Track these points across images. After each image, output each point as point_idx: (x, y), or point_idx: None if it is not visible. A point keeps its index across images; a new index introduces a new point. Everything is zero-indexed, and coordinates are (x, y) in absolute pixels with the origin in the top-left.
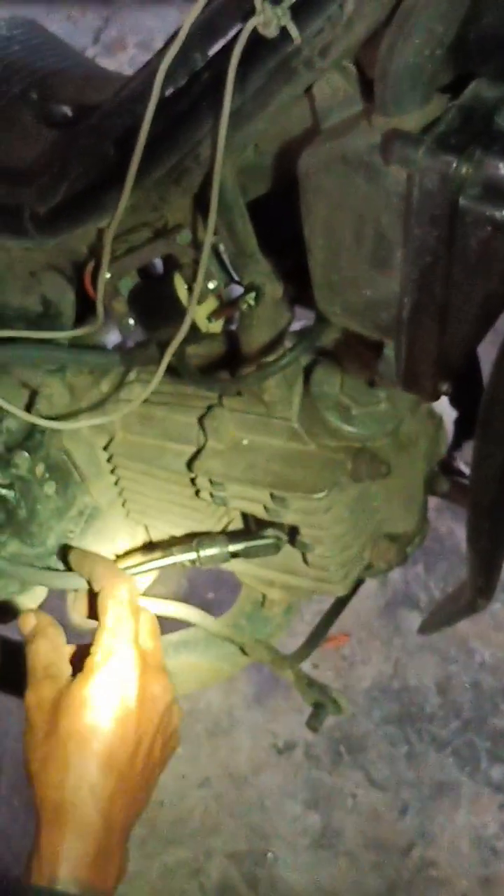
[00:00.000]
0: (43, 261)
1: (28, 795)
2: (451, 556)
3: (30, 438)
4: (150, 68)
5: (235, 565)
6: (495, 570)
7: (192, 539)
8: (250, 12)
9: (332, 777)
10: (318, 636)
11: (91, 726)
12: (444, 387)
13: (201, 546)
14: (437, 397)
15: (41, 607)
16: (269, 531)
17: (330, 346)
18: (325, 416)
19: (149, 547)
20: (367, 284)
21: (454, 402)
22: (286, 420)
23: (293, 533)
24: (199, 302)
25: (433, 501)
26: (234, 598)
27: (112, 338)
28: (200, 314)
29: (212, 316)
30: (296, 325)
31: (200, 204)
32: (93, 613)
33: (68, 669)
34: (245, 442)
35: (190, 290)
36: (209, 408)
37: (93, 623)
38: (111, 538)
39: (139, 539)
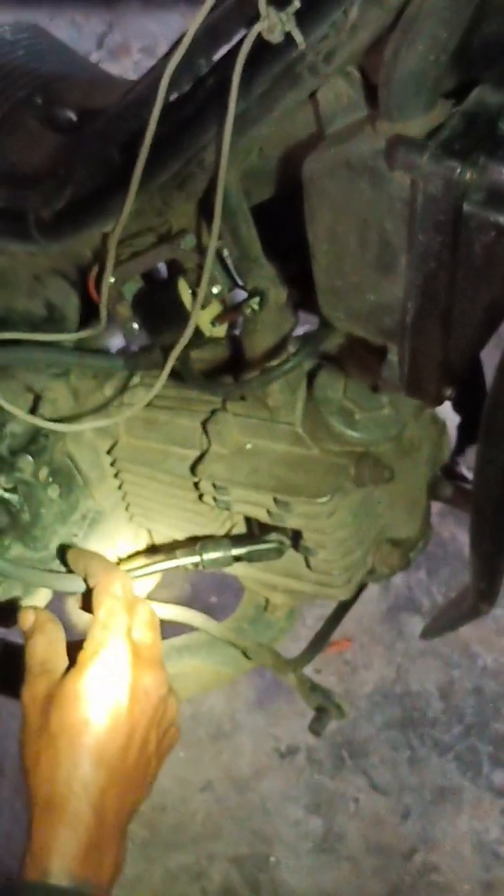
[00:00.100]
0: (47, 265)
1: None
2: (454, 561)
3: (34, 442)
4: (154, 73)
5: (238, 569)
6: (498, 574)
7: (195, 542)
8: (255, 18)
9: (335, 781)
10: (320, 640)
11: (81, 720)
12: (448, 391)
13: (204, 549)
14: (440, 402)
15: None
16: (273, 535)
17: (333, 351)
18: (328, 420)
19: (152, 550)
20: (371, 289)
21: (457, 406)
22: (289, 424)
23: (296, 537)
24: (203, 306)
25: (436, 506)
26: (237, 603)
27: (116, 342)
28: (204, 318)
29: (215, 320)
30: (299, 330)
31: (205, 209)
32: (90, 610)
33: (64, 665)
34: (248, 446)
35: (194, 294)
36: (213, 412)
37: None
38: (114, 542)
39: (142, 543)
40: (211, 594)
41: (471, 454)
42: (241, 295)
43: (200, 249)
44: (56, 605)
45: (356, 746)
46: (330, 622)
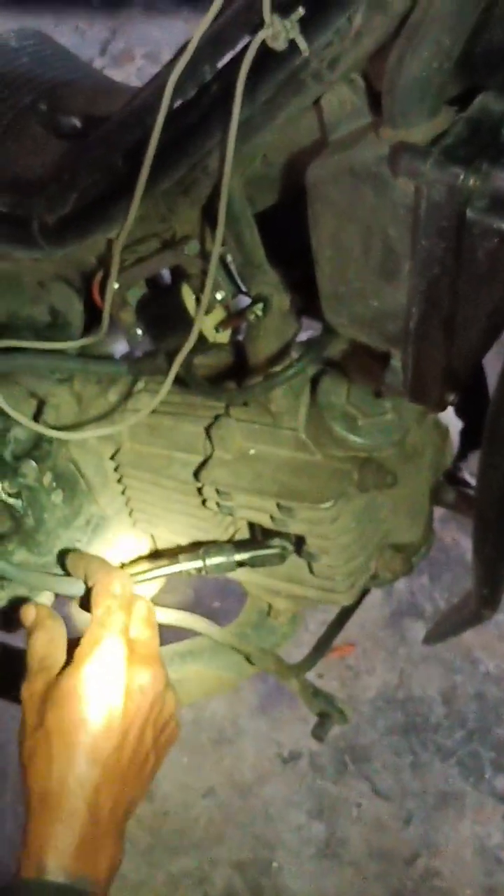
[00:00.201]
0: (51, 271)
1: None
2: (456, 567)
3: (37, 448)
4: (159, 80)
5: (241, 574)
6: (500, 580)
7: (198, 548)
8: (259, 25)
9: (337, 787)
10: (323, 646)
11: (76, 717)
12: (451, 397)
13: (207, 555)
14: (443, 408)
15: None
16: (276, 541)
17: (336, 357)
18: (331, 426)
19: (155, 556)
20: (375, 295)
21: (460, 412)
22: (293, 430)
23: (299, 542)
24: (207, 312)
25: (438, 511)
26: (239, 608)
27: (119, 347)
28: (208, 324)
29: (219, 326)
30: (302, 336)
31: (209, 215)
32: (90, 611)
33: (62, 662)
34: (252, 452)
35: (198, 300)
36: (216, 418)
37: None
38: (118, 547)
39: (145, 548)
40: (213, 599)
41: (473, 460)
42: (245, 301)
43: (204, 255)
44: (59, 610)
45: (359, 751)
46: (333, 627)
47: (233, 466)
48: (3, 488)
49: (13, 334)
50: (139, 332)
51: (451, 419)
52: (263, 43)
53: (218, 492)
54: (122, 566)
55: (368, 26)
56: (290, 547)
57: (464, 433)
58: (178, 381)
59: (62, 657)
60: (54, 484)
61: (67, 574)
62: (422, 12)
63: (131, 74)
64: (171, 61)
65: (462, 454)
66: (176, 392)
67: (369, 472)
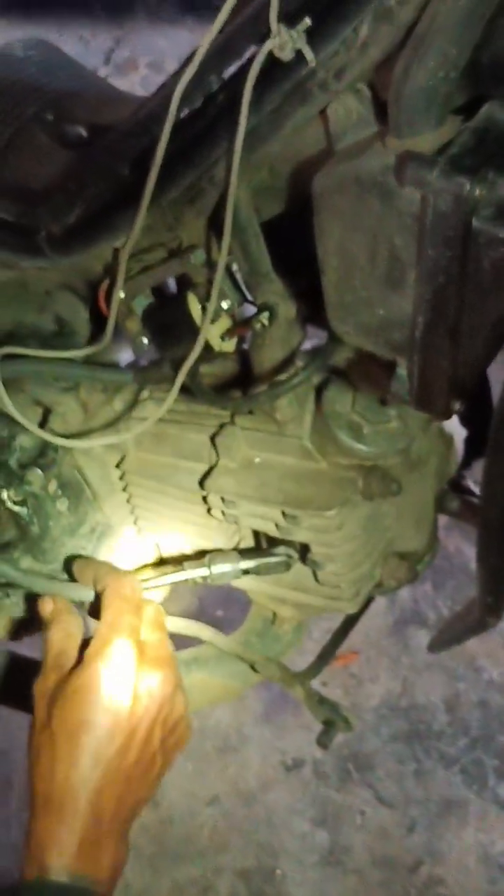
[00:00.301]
0: (57, 280)
1: None
2: (460, 575)
3: (43, 455)
4: (166, 90)
5: (246, 583)
6: None
7: (203, 556)
8: (266, 35)
9: (341, 794)
10: (328, 654)
11: (81, 718)
12: (457, 405)
13: (213, 562)
14: (449, 416)
15: None
16: (281, 549)
17: (341, 365)
18: (336, 434)
19: (160, 564)
20: (381, 304)
21: (464, 421)
22: (298, 438)
23: (304, 550)
24: (213, 321)
25: (441, 520)
26: (243, 616)
27: (124, 356)
28: (214, 333)
29: (225, 335)
30: (306, 344)
31: (215, 224)
32: (99, 617)
33: (74, 660)
34: (257, 460)
35: (204, 309)
36: (221, 426)
37: None
38: (123, 555)
39: (151, 556)
40: (217, 608)
41: (477, 468)
42: (250, 309)
43: (210, 264)
44: None
45: (362, 759)
46: (337, 635)
47: (238, 475)
48: (8, 496)
49: (19, 342)
50: (145, 340)
51: (455, 427)
52: (270, 53)
53: (223, 500)
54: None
55: (374, 36)
56: (296, 555)
57: (468, 441)
58: (184, 389)
59: (76, 655)
60: (59, 492)
61: (73, 580)
62: (428, 22)
63: (135, 83)
64: (177, 71)
65: (466, 462)
66: (181, 400)
67: (374, 480)
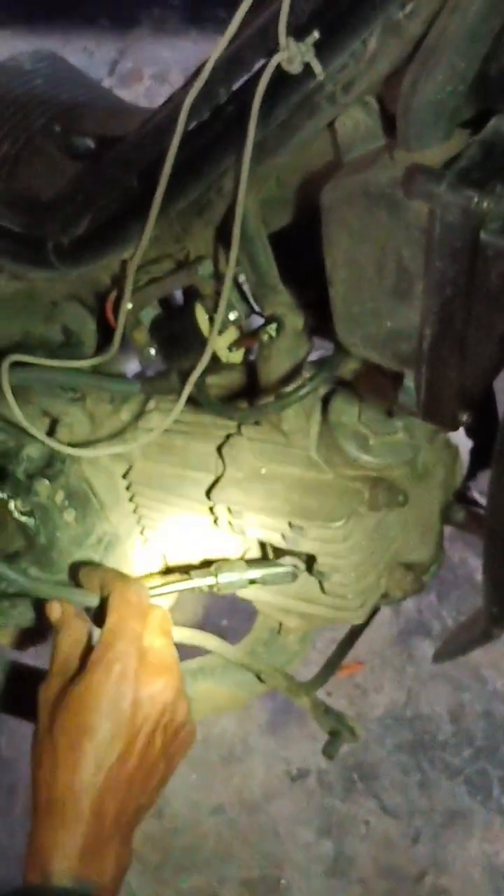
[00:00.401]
0: (65, 290)
1: None
2: (464, 585)
3: (50, 466)
4: (174, 102)
5: (252, 592)
6: None
7: (210, 565)
8: (274, 48)
9: (345, 804)
10: (333, 664)
11: (82, 724)
12: (464, 416)
13: (219, 571)
14: (457, 427)
15: None
16: (287, 559)
17: (348, 376)
18: (343, 445)
19: (167, 573)
20: (388, 316)
21: (470, 432)
22: (304, 449)
23: (310, 561)
24: (220, 332)
25: (446, 531)
26: (248, 626)
27: (132, 367)
28: (221, 344)
29: (232, 346)
30: (313, 355)
31: (222, 235)
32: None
33: (78, 666)
34: (263, 471)
35: (211, 320)
36: (228, 437)
37: None
38: (129, 565)
39: (157, 566)
40: (222, 617)
41: (483, 479)
42: (257, 320)
43: (218, 276)
44: None
45: (367, 769)
46: (343, 646)
47: (244, 485)
48: (16, 506)
49: (27, 352)
50: (152, 351)
51: (461, 438)
52: (278, 66)
53: (229, 510)
54: None
55: (383, 50)
56: (302, 565)
57: (474, 452)
58: (190, 400)
59: (81, 660)
60: (66, 502)
61: (79, 586)
62: (436, 36)
63: (139, 94)
64: (186, 83)
65: (472, 473)
66: (187, 411)
67: (381, 491)
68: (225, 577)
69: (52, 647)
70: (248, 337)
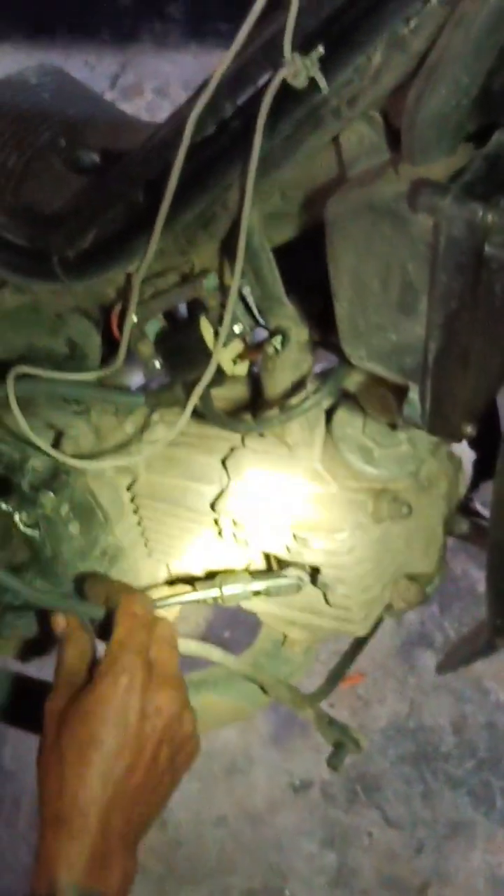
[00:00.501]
0: (70, 303)
1: None
2: (466, 597)
3: (55, 478)
4: (179, 116)
5: (256, 604)
6: None
7: (214, 577)
8: (280, 63)
9: (348, 816)
10: (337, 675)
11: (89, 736)
12: (469, 429)
13: (224, 583)
14: (461, 439)
15: None
16: (291, 570)
17: (351, 389)
18: (347, 457)
19: (171, 585)
20: (393, 329)
21: (472, 443)
22: (308, 461)
23: (315, 572)
24: (225, 345)
25: (448, 542)
26: (250, 638)
27: (136, 379)
28: (226, 357)
29: (237, 359)
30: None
31: (227, 249)
32: (107, 638)
33: (84, 678)
34: (266, 482)
35: (216, 333)
36: (232, 449)
37: None
38: (134, 577)
39: (161, 578)
40: (224, 629)
41: (486, 490)
42: (261, 333)
43: (223, 289)
44: None
45: (370, 781)
46: (346, 657)
47: (249, 497)
48: (21, 519)
49: (32, 365)
50: (157, 364)
51: (464, 450)
52: (283, 80)
53: (234, 522)
54: None
55: (387, 65)
56: (306, 577)
57: (477, 464)
58: (195, 412)
59: (86, 674)
60: (71, 515)
61: (85, 598)
62: (440, 51)
63: (141, 108)
64: (191, 97)
65: (475, 485)
66: (192, 423)
67: (384, 503)
68: (229, 589)
69: (57, 660)
70: (252, 350)
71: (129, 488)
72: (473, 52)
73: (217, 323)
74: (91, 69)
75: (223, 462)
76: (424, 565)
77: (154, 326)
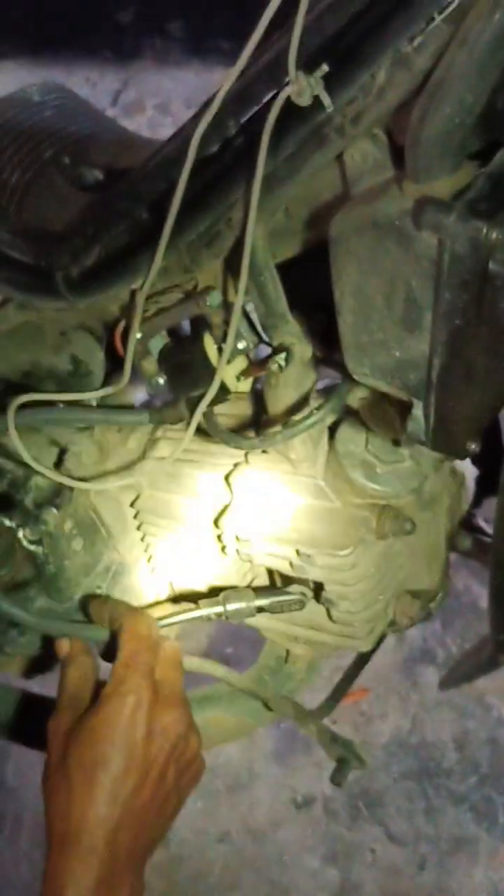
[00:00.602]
0: (74, 321)
1: None
2: (468, 613)
3: (58, 495)
4: (183, 134)
5: (260, 620)
6: None
7: (217, 594)
8: (284, 81)
9: (351, 832)
10: (340, 691)
11: (97, 757)
12: (473, 446)
13: (228, 600)
14: (465, 456)
15: None
16: (295, 587)
17: (355, 405)
18: (350, 473)
19: (174, 601)
20: (397, 346)
21: (475, 459)
22: (311, 478)
23: (318, 589)
24: (229, 362)
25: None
26: (252, 654)
27: (139, 396)
28: (230, 374)
29: (241, 375)
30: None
31: (231, 266)
32: (111, 659)
33: (89, 700)
34: (271, 499)
35: (220, 350)
36: (235, 465)
37: None
38: (137, 594)
39: (165, 595)
40: (227, 645)
41: (489, 506)
42: (263, 350)
43: (226, 306)
44: None
45: (372, 797)
46: (350, 673)
47: (252, 514)
48: (24, 535)
49: (35, 382)
50: (161, 380)
51: (466, 466)
52: (287, 98)
53: (237, 539)
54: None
55: (391, 83)
56: (310, 593)
57: (479, 480)
58: (198, 428)
59: (90, 696)
60: (75, 531)
61: (90, 620)
62: (444, 69)
63: (142, 125)
64: (195, 115)
65: (477, 501)
66: (195, 440)
67: (388, 519)
68: (233, 606)
69: (60, 682)
70: (256, 366)
71: (132, 504)
72: (477, 71)
73: (221, 340)
74: (93, 86)
75: (226, 478)
76: (427, 581)
77: (158, 343)
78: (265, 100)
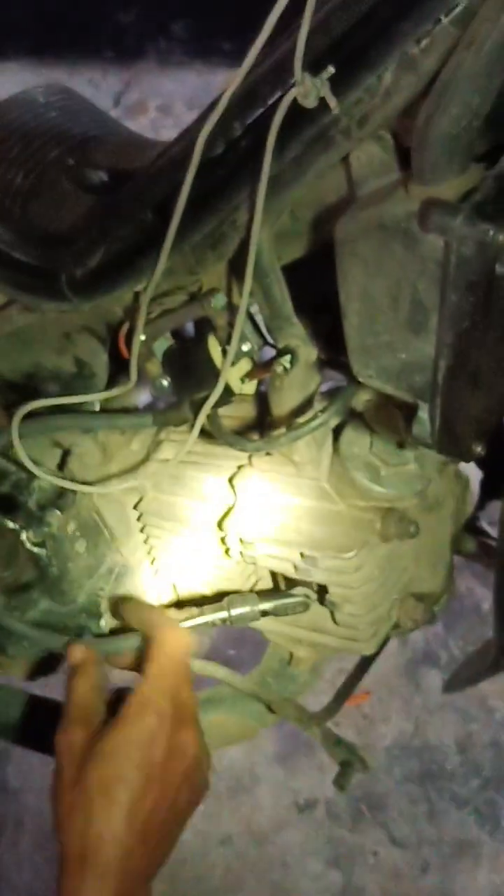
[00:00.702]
0: (77, 322)
1: (51, 851)
2: (471, 616)
3: (61, 497)
4: (189, 135)
5: (263, 623)
6: None
7: (221, 597)
8: (290, 83)
9: (353, 835)
10: (344, 694)
11: (117, 777)
12: (479, 448)
13: (232, 605)
14: (471, 459)
15: None
16: (299, 589)
17: (359, 408)
18: (354, 476)
19: (178, 605)
20: (403, 348)
21: (479, 462)
22: (315, 480)
23: (322, 591)
24: (233, 364)
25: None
26: (255, 656)
27: (143, 398)
28: (234, 376)
29: (245, 378)
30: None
31: (236, 268)
32: (135, 668)
33: (102, 714)
34: (275, 502)
35: (224, 352)
36: (239, 467)
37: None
38: (140, 596)
39: (168, 597)
40: (229, 647)
41: (493, 509)
42: (268, 352)
43: (231, 308)
44: None
45: (375, 800)
46: (353, 676)
47: (256, 516)
48: (27, 537)
49: (39, 385)
50: (165, 382)
51: (470, 469)
52: (293, 100)
53: (241, 541)
54: None
55: (398, 84)
56: (313, 596)
57: (483, 483)
58: (202, 431)
59: (102, 709)
60: (78, 533)
61: (120, 621)
62: (451, 71)
63: (144, 126)
64: (200, 117)
65: (481, 503)
66: (199, 442)
67: (392, 522)
68: (237, 611)
69: (68, 692)
70: (260, 369)
71: (135, 507)
72: (485, 73)
73: (225, 342)
74: (95, 87)
75: (230, 481)
76: (432, 584)
77: (162, 345)
78: (271, 101)
